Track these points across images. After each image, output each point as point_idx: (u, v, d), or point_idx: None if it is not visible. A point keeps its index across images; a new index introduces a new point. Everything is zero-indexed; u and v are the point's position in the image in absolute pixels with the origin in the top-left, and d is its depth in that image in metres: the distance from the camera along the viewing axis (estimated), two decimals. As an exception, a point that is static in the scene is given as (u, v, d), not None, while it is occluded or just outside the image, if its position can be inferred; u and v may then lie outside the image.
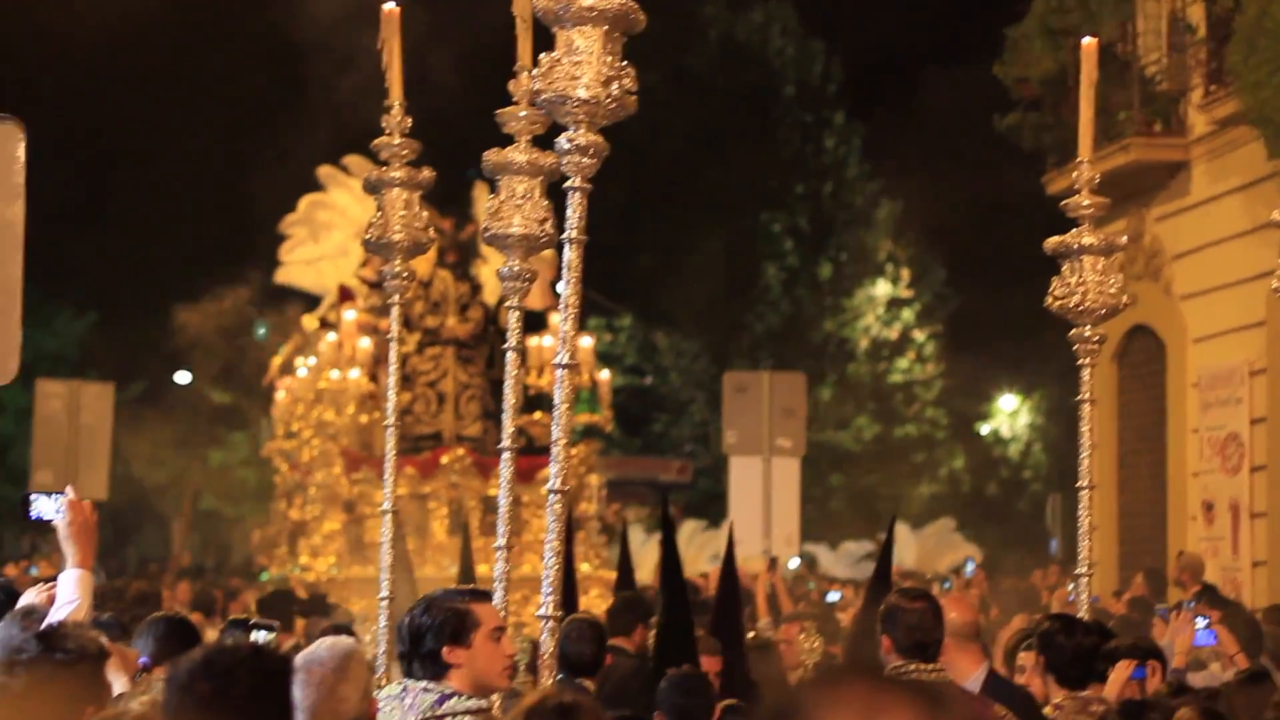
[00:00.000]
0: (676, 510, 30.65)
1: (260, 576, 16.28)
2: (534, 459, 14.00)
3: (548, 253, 15.95)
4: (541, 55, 3.27)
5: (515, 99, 4.00)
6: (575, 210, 3.30)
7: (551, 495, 3.36)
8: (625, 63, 3.22)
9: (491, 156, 4.07)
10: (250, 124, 30.78)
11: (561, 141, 3.26)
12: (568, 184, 3.24)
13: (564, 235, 3.34)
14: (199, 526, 40.66)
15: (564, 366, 3.17)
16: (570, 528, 14.02)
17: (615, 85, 3.14)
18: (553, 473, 3.36)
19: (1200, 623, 9.17)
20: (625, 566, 10.01)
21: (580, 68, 3.15)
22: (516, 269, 4.09)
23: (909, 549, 28.10)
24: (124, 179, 33.03)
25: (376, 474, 13.67)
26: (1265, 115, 14.83)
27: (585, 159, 3.25)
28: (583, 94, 3.21)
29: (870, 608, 7.69)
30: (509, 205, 4.02)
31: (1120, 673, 7.09)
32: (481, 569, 13.77)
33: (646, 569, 20.77)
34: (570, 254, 3.24)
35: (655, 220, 36.44)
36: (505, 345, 4.25)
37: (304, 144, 20.31)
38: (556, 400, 3.23)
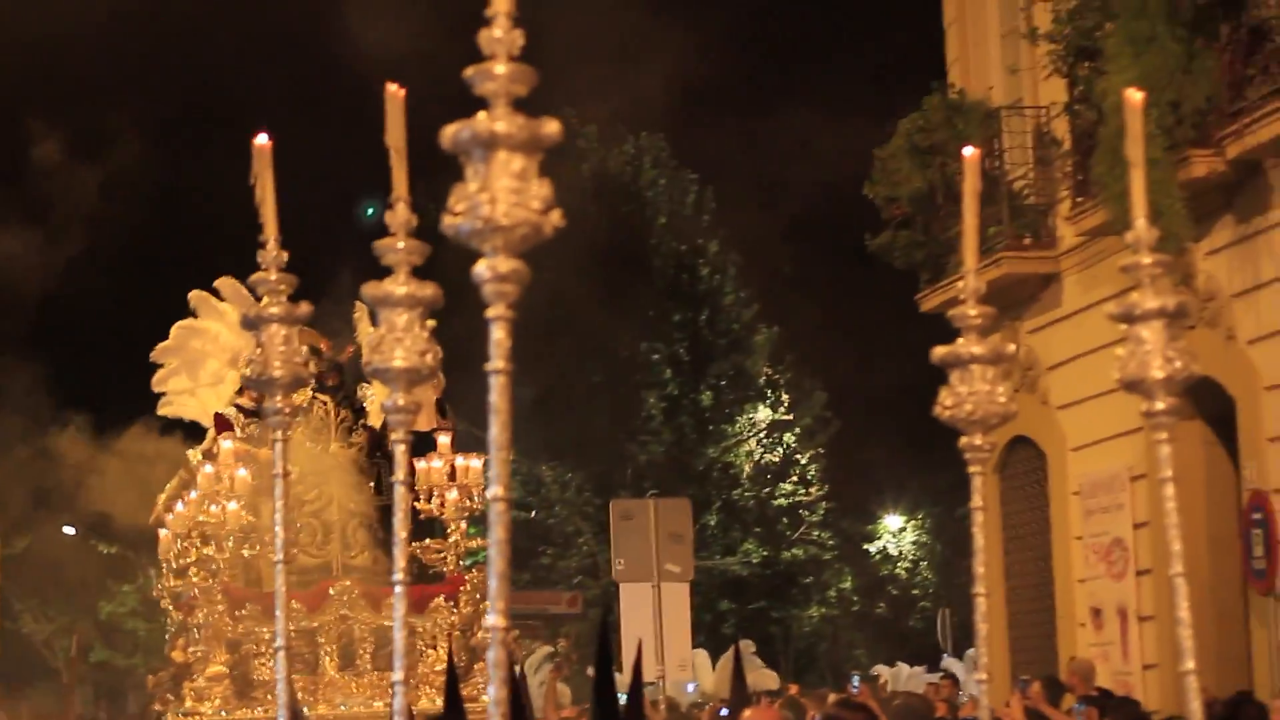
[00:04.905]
0: (567, 643, 30.44)
1: None
2: (426, 587, 13.68)
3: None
4: (455, 184, 3.24)
5: (392, 230, 3.97)
6: (500, 341, 3.22)
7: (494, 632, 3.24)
8: (540, 183, 3.20)
9: (370, 290, 4.01)
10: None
11: (481, 270, 3.21)
12: (490, 312, 3.18)
13: (489, 367, 3.26)
14: (91, 679, 40.00)
15: (499, 500, 3.11)
16: (471, 659, 13.76)
17: (532, 206, 3.13)
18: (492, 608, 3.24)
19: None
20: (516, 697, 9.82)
21: (495, 193, 3.13)
22: (401, 402, 4.03)
23: (706, 675, 28.04)
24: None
25: (261, 609, 13.34)
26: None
27: (507, 286, 3.21)
28: (501, 220, 3.17)
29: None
30: (390, 339, 3.96)
31: None
32: (376, 705, 13.51)
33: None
34: (496, 385, 3.17)
35: (535, 353, 36.48)
36: (393, 478, 4.19)
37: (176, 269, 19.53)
38: (492, 533, 3.16)
